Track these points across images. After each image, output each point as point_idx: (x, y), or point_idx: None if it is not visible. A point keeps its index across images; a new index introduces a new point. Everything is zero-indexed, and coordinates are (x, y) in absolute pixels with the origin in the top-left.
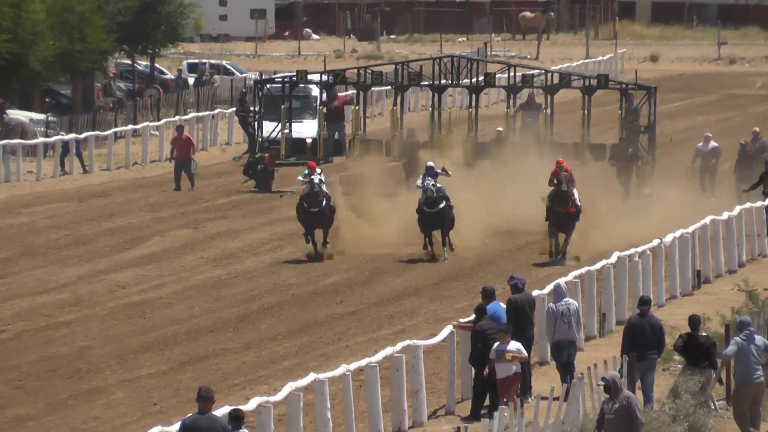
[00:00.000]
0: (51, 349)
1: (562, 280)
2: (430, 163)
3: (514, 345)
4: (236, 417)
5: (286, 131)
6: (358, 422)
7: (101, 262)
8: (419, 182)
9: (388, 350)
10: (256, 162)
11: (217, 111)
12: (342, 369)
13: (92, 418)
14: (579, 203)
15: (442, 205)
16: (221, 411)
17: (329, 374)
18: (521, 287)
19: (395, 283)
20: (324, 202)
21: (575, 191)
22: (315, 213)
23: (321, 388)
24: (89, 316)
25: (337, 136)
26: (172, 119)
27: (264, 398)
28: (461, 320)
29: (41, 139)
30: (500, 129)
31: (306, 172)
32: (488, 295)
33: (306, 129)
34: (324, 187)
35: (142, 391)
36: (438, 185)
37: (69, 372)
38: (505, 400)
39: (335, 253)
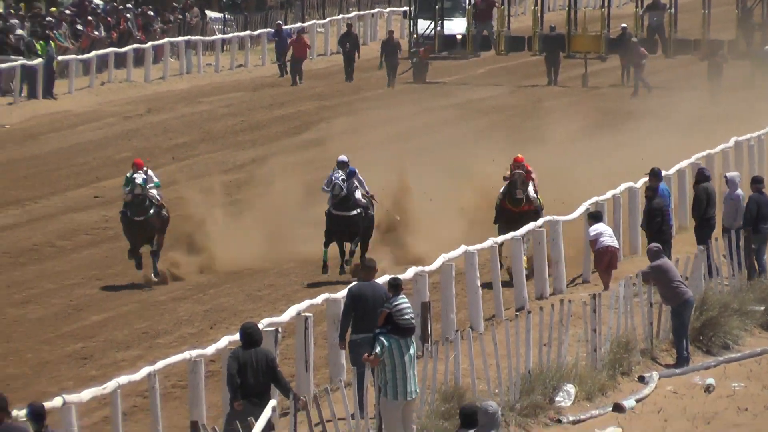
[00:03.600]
0: (231, 223)
1: (730, 173)
2: (343, 157)
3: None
4: (395, 285)
5: (439, 28)
6: (505, 290)
7: (273, 146)
8: (325, 183)
9: (530, 225)
10: (411, 55)
11: (376, 10)
12: (489, 242)
13: (266, 285)
14: (539, 203)
15: (355, 211)
16: (381, 279)
17: (478, 246)
18: (707, 174)
19: None
20: (151, 210)
21: (532, 191)
22: (139, 222)
23: (471, 259)
24: (264, 193)
25: (485, 33)
26: (336, 17)
27: (420, 268)
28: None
29: (219, 36)
30: (624, 25)
31: (130, 173)
32: (655, 174)
33: (456, 26)
34: (155, 191)
35: (312, 261)
36: (357, 192)
37: None
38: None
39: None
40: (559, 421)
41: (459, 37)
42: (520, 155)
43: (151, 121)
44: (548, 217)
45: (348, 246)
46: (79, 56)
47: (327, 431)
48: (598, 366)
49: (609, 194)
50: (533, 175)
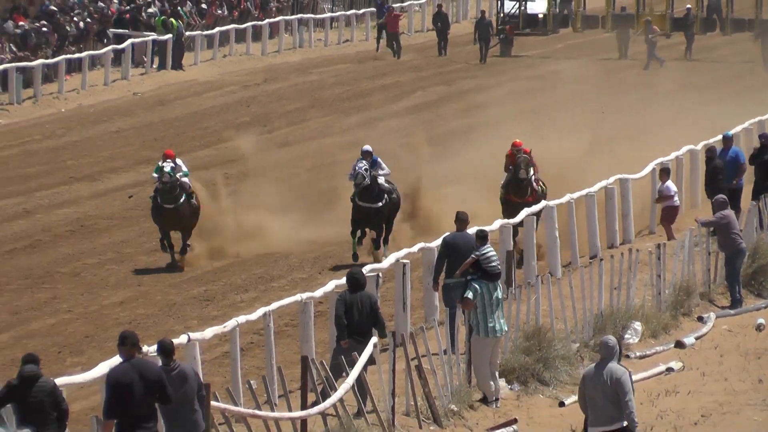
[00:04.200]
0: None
1: None
2: (367, 147)
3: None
4: (482, 236)
5: (523, 8)
6: (581, 241)
7: (375, 112)
8: (350, 173)
9: (603, 182)
10: (498, 32)
11: None
12: (567, 197)
13: (369, 235)
14: (541, 188)
15: (381, 203)
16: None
17: (557, 201)
18: None
19: None
20: (182, 197)
21: (534, 174)
22: (170, 210)
23: (550, 212)
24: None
25: (566, 11)
26: None
27: (505, 221)
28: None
29: (328, 14)
30: (689, 6)
31: (160, 161)
32: (726, 139)
33: (538, 6)
34: (186, 179)
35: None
36: (381, 178)
37: None
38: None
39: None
40: (628, 356)
41: (540, 15)
42: (518, 140)
43: (267, 90)
44: (619, 175)
45: (372, 234)
46: (204, 32)
47: (422, 365)
48: (662, 308)
49: (673, 155)
50: (534, 161)
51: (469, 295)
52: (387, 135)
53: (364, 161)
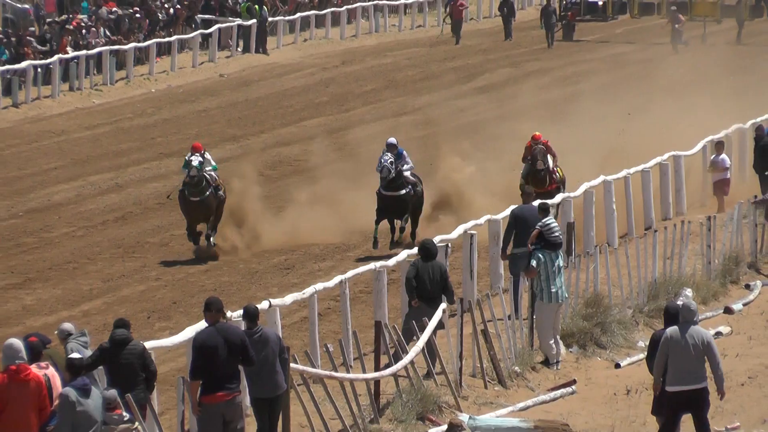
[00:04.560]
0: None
1: None
2: (392, 140)
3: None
4: (544, 209)
5: None
6: (636, 213)
7: (446, 92)
8: (378, 165)
9: (658, 159)
10: (561, 18)
11: None
12: (624, 172)
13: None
14: (560, 176)
15: (404, 191)
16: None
17: (614, 176)
18: None
19: None
20: (208, 190)
21: (552, 163)
22: (196, 203)
23: (608, 186)
24: (436, 132)
25: None
26: None
27: (566, 194)
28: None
29: (402, 1)
30: None
31: (188, 155)
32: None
33: None
34: (213, 171)
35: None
36: (406, 169)
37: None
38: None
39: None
40: None
41: (600, 2)
42: (537, 133)
43: (345, 72)
44: (673, 152)
45: (398, 223)
46: (286, 17)
47: (488, 330)
48: (712, 276)
49: (722, 133)
50: (553, 150)
51: (533, 263)
52: (457, 114)
53: (389, 154)
